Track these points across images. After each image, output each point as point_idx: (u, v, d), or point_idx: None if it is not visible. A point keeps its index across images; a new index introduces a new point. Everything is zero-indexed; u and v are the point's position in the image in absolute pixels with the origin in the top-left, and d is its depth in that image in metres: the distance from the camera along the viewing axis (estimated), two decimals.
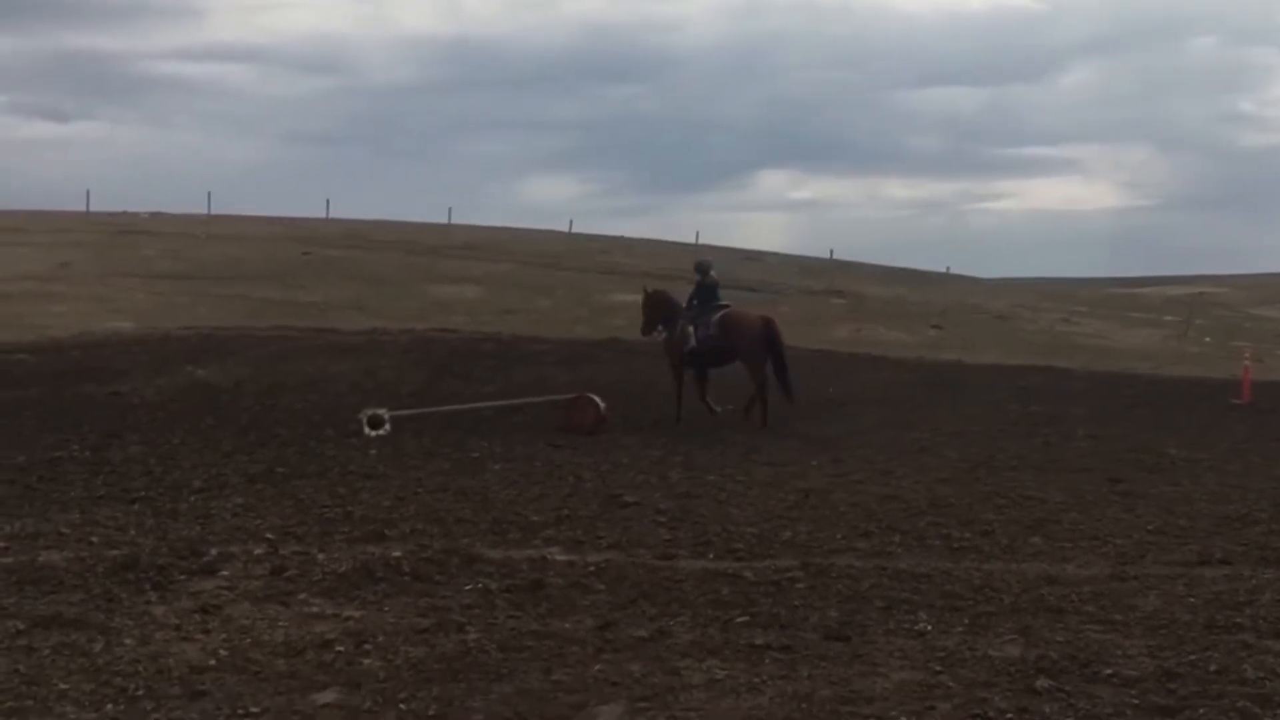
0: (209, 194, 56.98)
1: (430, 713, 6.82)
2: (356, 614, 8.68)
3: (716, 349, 19.37)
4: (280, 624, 8.39)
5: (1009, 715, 6.78)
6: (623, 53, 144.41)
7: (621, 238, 62.33)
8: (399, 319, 30.29)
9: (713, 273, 20.29)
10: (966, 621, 8.61)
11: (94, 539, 10.78)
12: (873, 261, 63.29)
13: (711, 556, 10.49)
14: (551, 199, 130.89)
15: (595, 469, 14.69)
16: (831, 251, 61.26)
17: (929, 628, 8.45)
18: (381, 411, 17.53)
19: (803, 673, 7.48)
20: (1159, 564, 10.50)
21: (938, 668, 7.58)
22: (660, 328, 20.17)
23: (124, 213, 58.34)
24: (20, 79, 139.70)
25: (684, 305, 20.00)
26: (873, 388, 23.93)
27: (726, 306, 19.74)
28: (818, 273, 53.72)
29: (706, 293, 19.95)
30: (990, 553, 10.80)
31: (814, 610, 8.83)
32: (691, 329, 19.37)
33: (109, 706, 6.87)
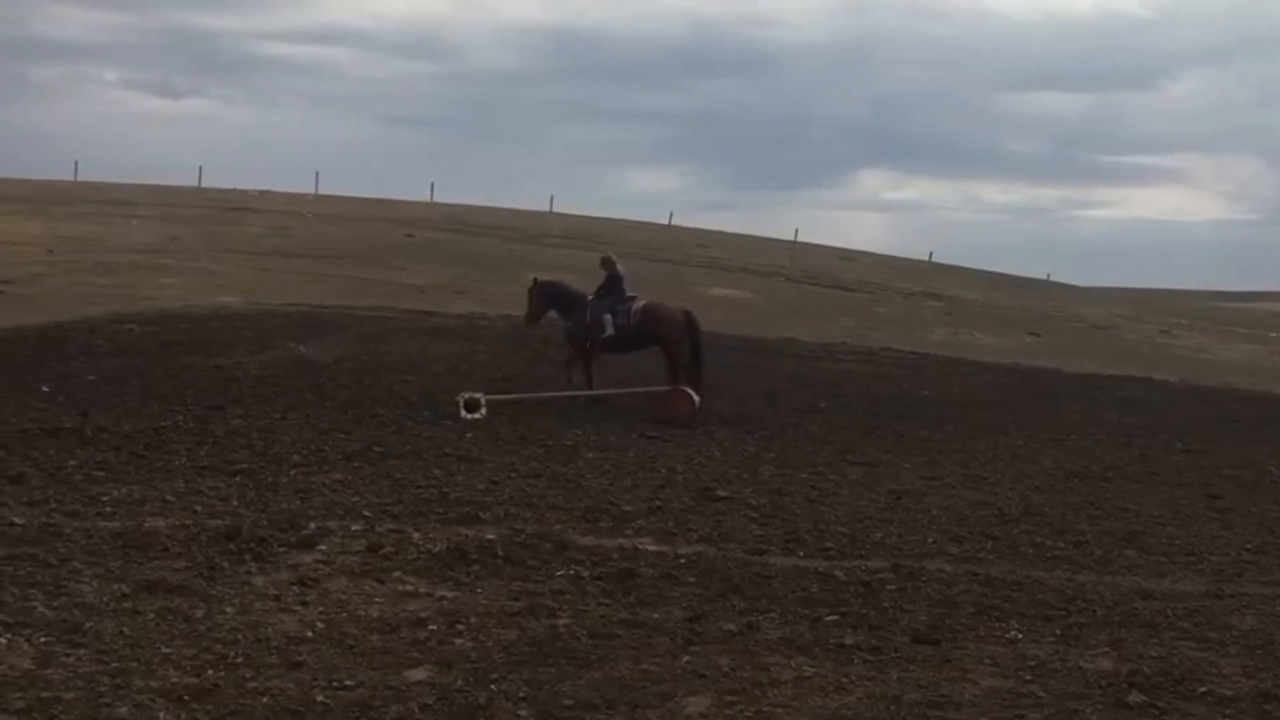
0: (316, 174, 57.17)
1: (520, 695, 6.89)
2: (449, 594, 8.78)
3: (636, 336, 19.90)
4: (375, 600, 8.52)
5: None
6: (724, 47, 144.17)
7: (720, 232, 62.21)
8: (497, 304, 30.45)
9: (619, 266, 20.61)
10: (1058, 632, 8.54)
11: (197, 508, 11.01)
12: (970, 265, 62.58)
13: (802, 554, 10.48)
14: (651, 190, 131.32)
15: (688, 461, 14.71)
16: (931, 254, 60.68)
17: (1019, 636, 8.39)
18: (478, 395, 17.66)
19: (891, 675, 7.46)
20: (1257, 583, 10.33)
21: (1028, 677, 7.52)
22: (558, 316, 20.51)
23: (234, 189, 59.20)
24: (134, 55, 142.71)
25: (588, 296, 20.29)
26: (968, 392, 23.68)
27: (635, 297, 20.14)
28: (915, 274, 53.26)
29: (614, 284, 20.29)
30: (1083, 564, 10.68)
31: (904, 613, 8.80)
32: (609, 317, 19.78)
33: (209, 672, 7.02)
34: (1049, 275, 62.83)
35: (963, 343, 33.62)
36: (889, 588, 9.43)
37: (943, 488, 13.91)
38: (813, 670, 7.46)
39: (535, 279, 20.91)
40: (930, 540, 11.22)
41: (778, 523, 11.60)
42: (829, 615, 8.65)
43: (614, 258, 21.07)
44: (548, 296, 20.47)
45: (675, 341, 19.63)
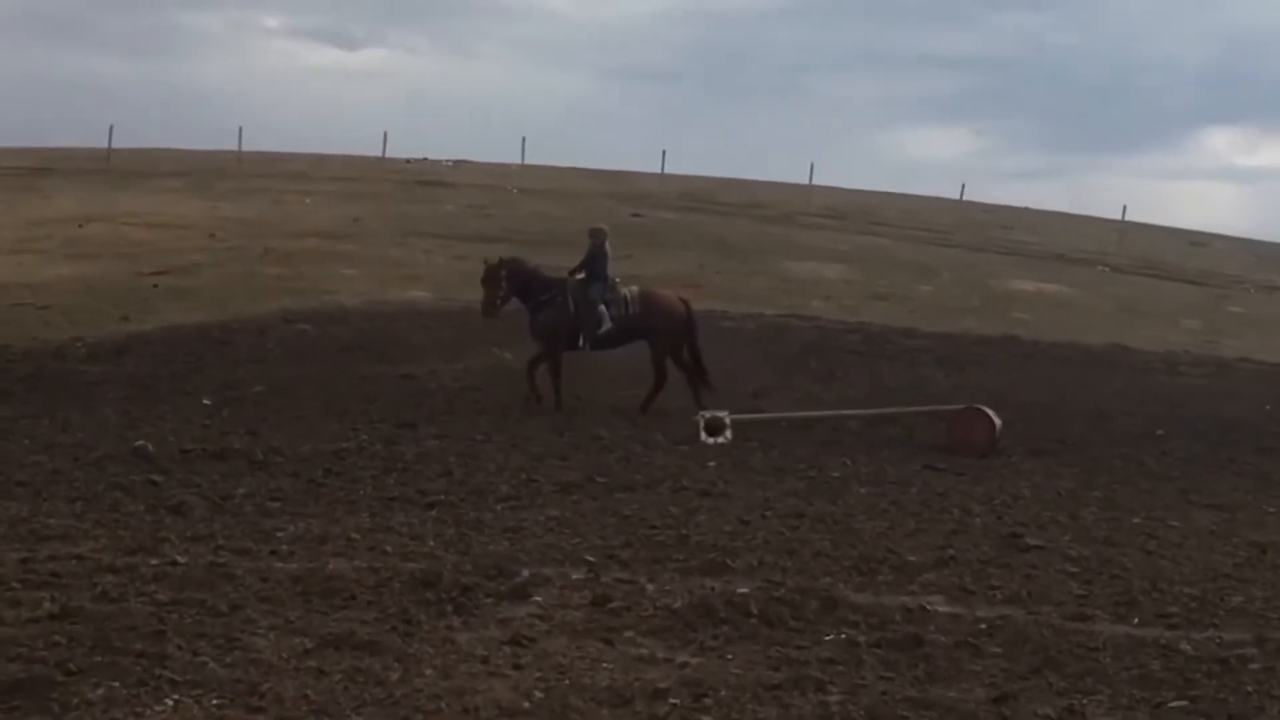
0: (523, 140, 58.15)
1: None
2: (693, 660, 8.90)
3: (628, 330, 19.77)
4: (604, 665, 8.68)
5: None
6: None
7: (1026, 209, 61.33)
8: (745, 300, 30.63)
9: (607, 243, 20.39)
10: None
11: (388, 548, 11.40)
12: None
13: (1137, 621, 10.32)
14: (936, 157, 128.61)
15: (987, 501, 14.61)
16: None
17: None
18: (722, 415, 17.82)
19: None
20: None
21: None
22: (519, 303, 20.05)
23: (423, 160, 60.70)
24: None
25: (567, 273, 20.13)
26: None
27: (618, 281, 20.06)
28: (1278, 263, 51.71)
29: (598, 263, 20.08)
30: None
31: (1273, 699, 8.60)
32: (604, 307, 19.61)
33: None
34: None
35: None
36: (1252, 666, 9.21)
37: None
38: None
39: (500, 258, 20.46)
40: None
41: (1104, 580, 11.45)
42: (1174, 700, 8.51)
43: (605, 229, 20.91)
44: (516, 279, 20.07)
45: (672, 337, 19.83)
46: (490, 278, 19.95)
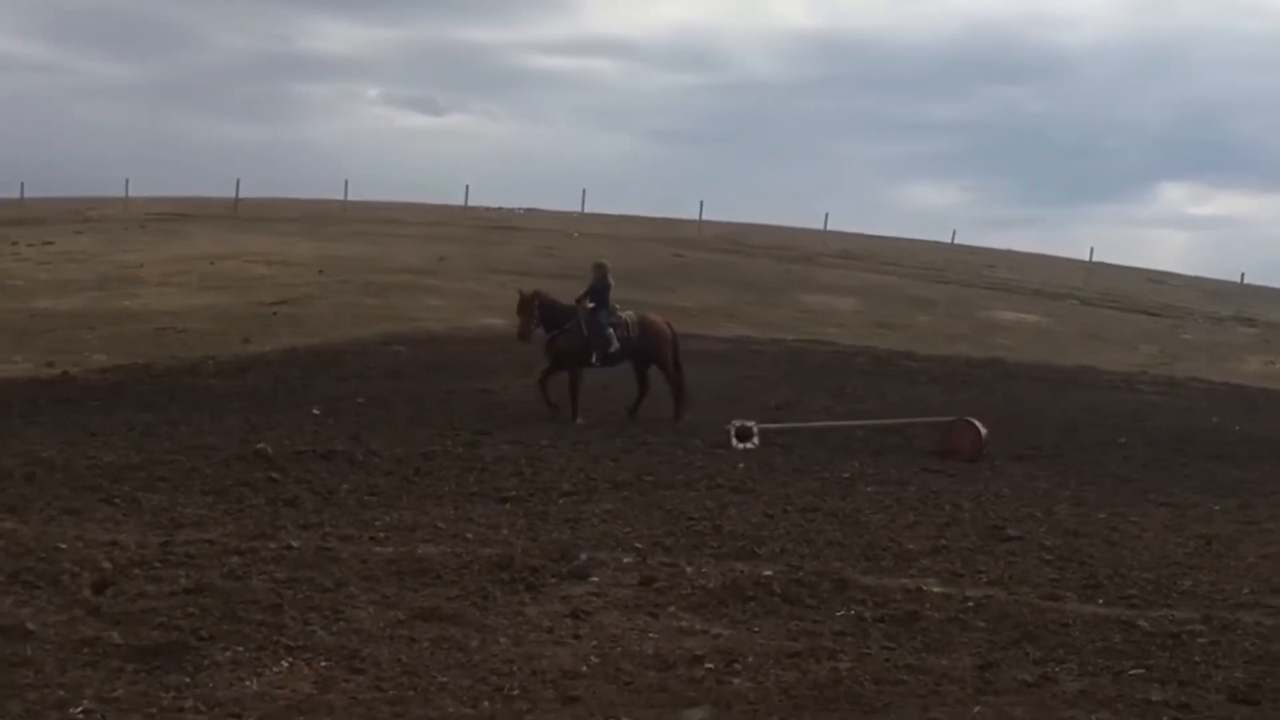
0: (583, 191, 58.40)
1: None
2: (725, 632, 8.90)
3: (630, 351, 19.80)
4: (650, 635, 8.70)
5: None
6: (1009, 49, 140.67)
7: (1009, 251, 61.09)
8: (770, 328, 30.62)
9: (609, 275, 20.29)
10: None
11: (468, 535, 11.44)
12: None
13: (1101, 601, 10.25)
14: (932, 206, 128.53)
15: (975, 498, 14.53)
16: (1243, 275, 58.29)
17: None
18: (750, 424, 17.80)
19: None
20: None
21: None
22: (540, 330, 19.75)
23: (499, 208, 60.97)
24: (393, 71, 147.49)
25: (574, 303, 19.92)
26: None
27: (616, 308, 19.99)
28: (1225, 297, 51.32)
29: (603, 292, 19.99)
30: None
31: (1218, 669, 8.53)
32: (612, 330, 19.60)
33: (485, 704, 7.31)
34: None
35: None
36: (1200, 640, 9.13)
37: (1260, 533, 13.39)
38: None
39: (536, 291, 20.10)
40: (1246, 590, 10.81)
41: (1074, 566, 11.36)
42: (1133, 668, 8.45)
43: (607, 263, 20.85)
44: (545, 308, 19.82)
45: (664, 353, 20.00)
46: (525, 306, 19.74)
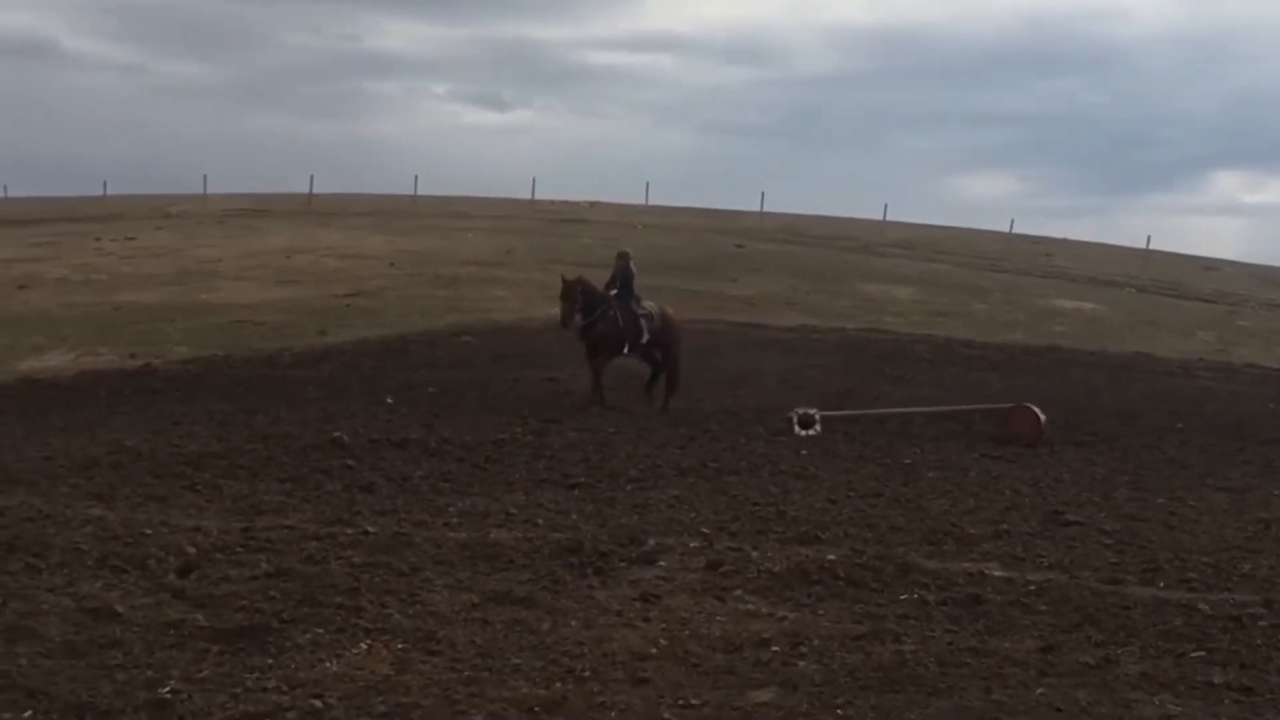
0: (647, 184, 58.32)
1: None
2: (791, 615, 8.88)
3: (654, 342, 19.89)
4: (717, 619, 8.69)
5: None
6: (1064, 43, 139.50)
7: (1065, 240, 60.39)
8: (830, 316, 30.48)
9: (632, 265, 20.22)
10: None
11: (539, 521, 11.48)
12: None
13: (1162, 585, 10.14)
14: (989, 197, 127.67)
15: (1034, 484, 14.43)
16: None
17: None
18: (812, 411, 17.76)
19: (1266, 717, 7.16)
20: None
21: None
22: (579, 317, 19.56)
23: (565, 201, 60.97)
24: (460, 68, 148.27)
25: (604, 290, 19.85)
26: None
27: (638, 298, 19.99)
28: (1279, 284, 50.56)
29: (628, 281, 19.95)
30: None
31: (1278, 650, 8.42)
32: (644, 320, 19.67)
33: (558, 685, 7.33)
34: None
35: None
36: (1261, 624, 9.02)
37: None
38: (1178, 709, 7.23)
39: (579, 277, 19.94)
40: None
41: (1134, 551, 11.26)
42: (1194, 651, 8.36)
43: (629, 252, 20.80)
44: (587, 295, 19.68)
45: (676, 349, 20.13)
46: (568, 293, 19.59)
